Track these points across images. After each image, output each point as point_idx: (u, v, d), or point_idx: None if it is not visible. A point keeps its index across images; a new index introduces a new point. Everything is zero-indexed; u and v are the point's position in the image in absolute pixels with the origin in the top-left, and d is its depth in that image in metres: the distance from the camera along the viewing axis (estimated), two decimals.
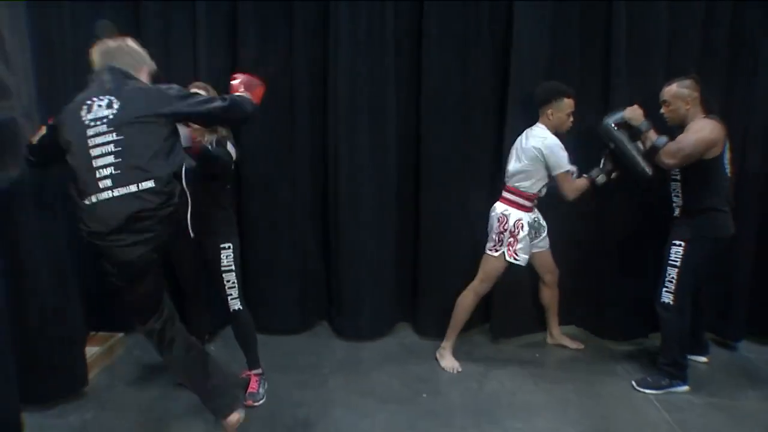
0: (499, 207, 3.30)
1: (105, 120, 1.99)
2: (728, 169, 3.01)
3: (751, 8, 3.47)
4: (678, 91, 3.00)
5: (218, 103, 2.25)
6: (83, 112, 2.02)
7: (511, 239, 3.23)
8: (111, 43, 2.22)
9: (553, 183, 3.23)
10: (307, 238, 3.82)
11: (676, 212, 3.11)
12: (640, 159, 3.08)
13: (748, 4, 3.47)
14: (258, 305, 3.46)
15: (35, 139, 2.35)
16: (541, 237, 3.43)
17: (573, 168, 3.24)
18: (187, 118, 2.29)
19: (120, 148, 1.96)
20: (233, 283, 2.92)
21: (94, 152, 1.97)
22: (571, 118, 3.23)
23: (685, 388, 3.12)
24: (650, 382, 3.14)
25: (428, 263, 3.77)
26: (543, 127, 3.22)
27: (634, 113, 3.09)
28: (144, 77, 2.30)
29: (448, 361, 3.40)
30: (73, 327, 2.98)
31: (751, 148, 3.51)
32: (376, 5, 3.51)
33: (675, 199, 3.11)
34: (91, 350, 3.25)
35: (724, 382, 3.27)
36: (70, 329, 2.95)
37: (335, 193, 3.69)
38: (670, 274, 3.04)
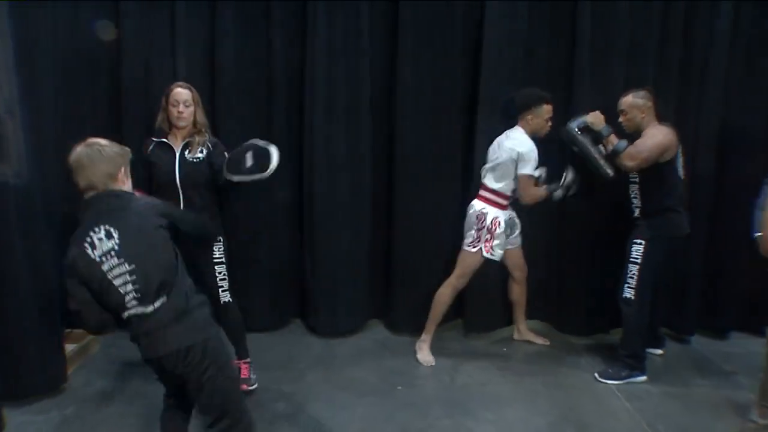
0: (477, 205, 3.44)
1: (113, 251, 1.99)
2: (681, 172, 3.24)
3: (700, 26, 3.72)
4: (634, 101, 3.23)
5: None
6: (89, 251, 1.98)
7: (488, 236, 3.38)
8: (83, 157, 2.05)
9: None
10: (282, 237, 3.89)
11: (636, 213, 3.32)
12: (602, 162, 3.27)
13: (697, 22, 3.72)
14: None
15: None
16: (515, 235, 3.59)
17: (537, 173, 3.39)
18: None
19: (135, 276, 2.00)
20: (224, 275, 3.02)
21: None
22: (550, 123, 3.39)
23: (644, 378, 3.33)
24: (611, 373, 3.34)
25: (401, 261, 3.90)
26: (522, 130, 3.38)
27: (596, 118, 3.28)
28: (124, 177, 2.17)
29: (424, 355, 3.53)
30: (53, 325, 3.00)
31: (701, 152, 3.75)
32: (352, 10, 3.62)
33: (634, 201, 3.32)
34: (67, 348, 3.26)
35: (678, 372, 3.50)
36: (49, 327, 2.97)
37: (310, 193, 3.79)
38: (631, 271, 3.24)
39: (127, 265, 1.98)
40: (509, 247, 3.58)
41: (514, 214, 3.55)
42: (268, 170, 2.77)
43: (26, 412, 2.84)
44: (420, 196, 3.80)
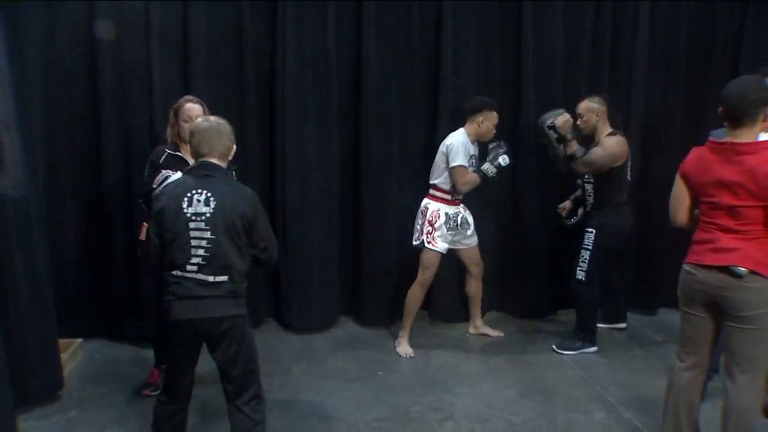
0: (423, 202, 3.77)
1: (203, 217, 2.23)
2: (629, 174, 3.74)
3: (625, 36, 4.27)
4: (589, 105, 3.70)
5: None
6: (184, 205, 2.23)
7: (429, 228, 3.69)
8: (206, 126, 2.34)
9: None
10: None
11: (589, 207, 3.79)
12: (560, 161, 3.69)
13: (623, 32, 4.26)
14: None
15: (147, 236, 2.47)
16: (468, 234, 3.86)
17: (466, 165, 3.65)
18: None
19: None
20: None
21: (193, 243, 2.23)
22: (494, 131, 3.76)
23: (594, 349, 3.80)
24: (567, 344, 3.81)
25: (368, 259, 4.19)
26: (462, 130, 3.69)
27: (563, 123, 3.62)
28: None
29: (403, 347, 3.81)
30: (50, 333, 3.09)
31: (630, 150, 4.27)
32: (320, 23, 3.90)
33: (588, 197, 3.80)
34: None
35: (619, 344, 3.98)
36: (47, 335, 3.06)
37: (282, 195, 4.03)
38: (583, 256, 3.69)
39: (209, 233, 2.22)
40: (463, 246, 3.84)
41: (464, 212, 3.81)
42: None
43: (28, 419, 2.93)
44: (385, 197, 4.12)
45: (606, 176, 3.66)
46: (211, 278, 2.22)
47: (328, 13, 3.91)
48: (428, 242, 3.70)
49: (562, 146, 3.66)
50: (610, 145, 3.62)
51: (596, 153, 3.62)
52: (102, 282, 3.81)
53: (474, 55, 4.09)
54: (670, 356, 3.68)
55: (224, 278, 2.24)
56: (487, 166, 3.66)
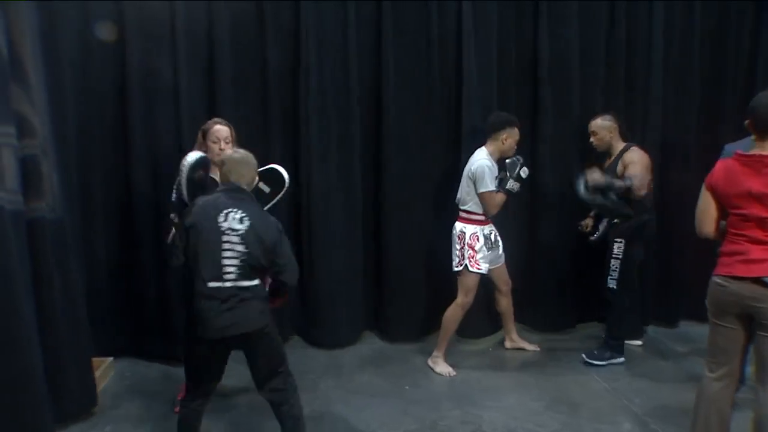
0: (457, 226, 3.79)
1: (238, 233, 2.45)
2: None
3: (640, 54, 4.34)
4: (603, 123, 3.79)
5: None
6: (220, 219, 2.46)
7: (471, 251, 3.71)
8: (237, 157, 2.65)
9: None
10: None
11: (616, 220, 3.82)
12: (621, 205, 3.67)
13: (637, 54, 4.33)
14: None
15: (174, 240, 2.64)
16: (499, 253, 3.90)
17: (494, 189, 3.66)
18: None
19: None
20: None
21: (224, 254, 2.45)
22: (515, 147, 3.81)
23: (622, 359, 3.84)
24: (596, 355, 3.84)
25: (391, 276, 4.26)
26: (484, 150, 3.73)
27: (593, 176, 3.63)
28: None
29: (443, 367, 3.80)
30: (85, 351, 3.17)
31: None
32: (340, 55, 4.02)
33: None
34: None
35: (642, 357, 4.00)
36: (82, 354, 3.14)
37: (308, 216, 4.11)
38: (614, 265, 3.76)
39: (243, 247, 2.44)
40: (494, 265, 3.86)
41: (495, 231, 3.85)
42: (284, 189, 3.14)
43: None
44: (406, 215, 4.19)
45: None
46: (245, 282, 2.44)
47: (348, 40, 4.01)
48: (471, 266, 3.70)
49: (613, 193, 3.64)
50: (637, 158, 3.69)
51: (637, 172, 3.62)
52: (132, 301, 3.90)
53: (494, 78, 4.19)
54: (695, 367, 3.78)
55: (256, 282, 2.47)
56: (511, 185, 3.68)
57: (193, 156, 2.84)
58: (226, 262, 2.42)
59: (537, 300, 4.43)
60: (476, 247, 3.72)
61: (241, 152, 2.69)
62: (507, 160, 3.76)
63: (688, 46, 4.38)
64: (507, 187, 3.69)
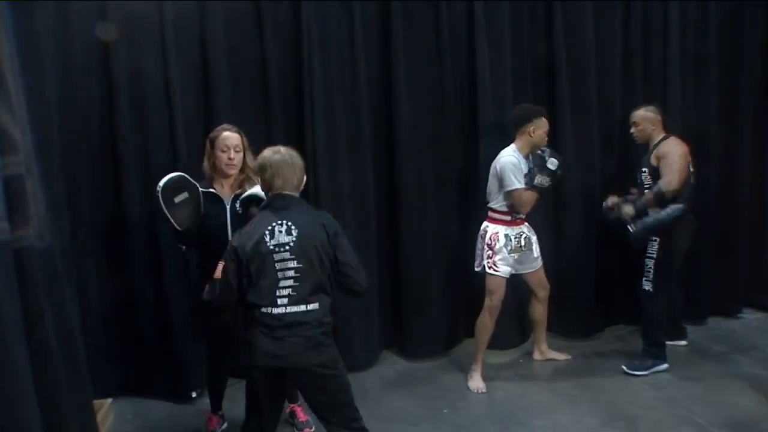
0: (483, 225, 3.54)
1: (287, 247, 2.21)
2: (692, 177, 3.53)
3: (655, 52, 4.15)
4: (646, 114, 3.55)
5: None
6: (267, 238, 2.20)
7: (489, 252, 3.45)
8: (278, 159, 2.30)
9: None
10: None
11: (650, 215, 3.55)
12: (663, 218, 3.42)
13: (653, 49, 4.15)
14: None
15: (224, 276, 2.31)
16: (534, 256, 3.60)
17: (520, 186, 3.40)
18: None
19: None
20: None
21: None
22: (547, 138, 3.54)
23: (666, 366, 3.56)
24: (638, 364, 3.56)
25: (410, 289, 3.93)
26: (512, 147, 3.48)
27: (624, 211, 3.46)
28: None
29: (475, 382, 3.51)
30: (86, 396, 2.76)
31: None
32: (346, 53, 3.69)
33: None
34: None
35: (683, 359, 3.74)
36: (83, 399, 2.73)
37: None
38: (648, 266, 3.50)
39: (295, 262, 2.19)
40: (530, 270, 3.59)
41: (526, 231, 3.55)
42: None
43: None
44: (424, 221, 3.88)
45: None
46: (303, 307, 2.20)
47: (355, 37, 3.69)
48: (489, 267, 3.45)
49: (651, 210, 3.46)
50: (670, 149, 3.43)
51: (668, 166, 3.38)
52: (129, 333, 3.47)
53: (509, 74, 3.93)
54: (741, 368, 3.59)
55: (315, 306, 2.22)
56: (540, 180, 3.40)
57: (165, 180, 2.63)
58: (281, 284, 2.18)
59: (563, 305, 4.13)
60: (495, 248, 3.45)
61: (282, 151, 2.34)
62: (531, 155, 3.50)
63: (704, 34, 4.20)
64: (535, 183, 3.42)
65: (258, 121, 3.62)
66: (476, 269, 3.54)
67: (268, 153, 2.34)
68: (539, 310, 3.77)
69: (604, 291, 4.18)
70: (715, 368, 3.64)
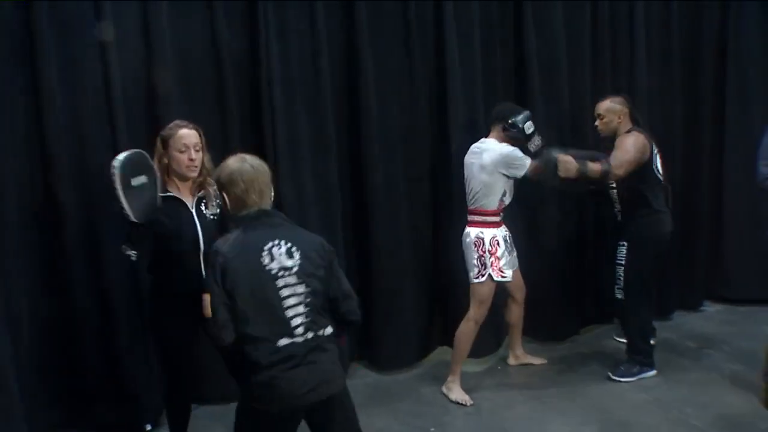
0: (472, 232, 3.28)
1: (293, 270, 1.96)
2: (660, 172, 3.38)
3: (623, 49, 4.09)
4: (611, 106, 3.36)
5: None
6: (265, 261, 1.93)
7: (493, 259, 3.24)
8: (250, 171, 2.02)
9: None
10: None
11: (619, 217, 3.46)
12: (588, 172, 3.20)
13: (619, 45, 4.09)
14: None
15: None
16: (515, 256, 3.44)
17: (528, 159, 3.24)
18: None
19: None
20: None
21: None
22: None
23: (653, 372, 3.40)
24: (623, 370, 3.40)
25: (380, 296, 3.66)
26: (493, 139, 3.28)
27: (567, 167, 3.13)
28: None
29: (458, 394, 3.29)
30: None
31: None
32: (306, 43, 3.39)
33: (616, 205, 3.46)
34: None
35: (657, 356, 3.54)
36: None
37: None
38: (618, 273, 3.36)
39: (303, 287, 1.94)
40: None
41: (508, 232, 3.39)
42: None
43: None
44: (394, 224, 3.64)
45: (630, 177, 3.26)
46: (321, 332, 1.97)
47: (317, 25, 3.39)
48: (496, 275, 3.23)
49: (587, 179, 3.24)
50: (626, 140, 3.26)
51: (621, 152, 3.22)
52: (68, 361, 3.01)
53: (479, 63, 3.73)
54: (720, 365, 3.54)
55: (329, 329, 2.00)
56: (533, 145, 3.26)
57: (122, 157, 2.27)
58: (290, 312, 1.92)
59: (536, 307, 3.97)
60: (498, 253, 3.25)
61: (249, 160, 2.05)
62: (507, 131, 3.28)
63: (667, 28, 4.18)
64: (531, 149, 3.27)
65: (210, 111, 3.25)
66: (476, 280, 3.26)
67: (235, 164, 2.03)
68: (516, 313, 3.61)
69: (578, 291, 4.07)
70: (693, 366, 3.57)
